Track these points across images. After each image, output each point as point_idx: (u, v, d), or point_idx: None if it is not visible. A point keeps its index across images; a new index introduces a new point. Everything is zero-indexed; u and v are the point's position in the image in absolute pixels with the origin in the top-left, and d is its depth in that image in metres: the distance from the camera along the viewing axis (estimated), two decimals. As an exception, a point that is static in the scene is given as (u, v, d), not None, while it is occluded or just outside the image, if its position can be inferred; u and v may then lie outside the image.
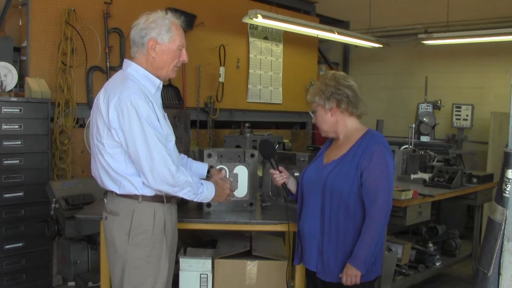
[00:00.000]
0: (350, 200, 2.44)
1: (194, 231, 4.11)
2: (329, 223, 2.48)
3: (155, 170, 2.31)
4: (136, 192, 2.40)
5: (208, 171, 2.90)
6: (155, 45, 2.43)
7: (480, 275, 1.97)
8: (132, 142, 2.31)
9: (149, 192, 2.42)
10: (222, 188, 2.67)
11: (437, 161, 5.40)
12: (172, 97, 5.76)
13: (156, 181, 2.33)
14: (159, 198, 2.45)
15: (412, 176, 4.75)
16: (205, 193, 2.53)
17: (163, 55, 2.46)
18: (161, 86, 2.53)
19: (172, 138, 2.50)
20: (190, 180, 2.42)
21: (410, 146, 5.32)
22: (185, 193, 2.43)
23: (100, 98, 2.39)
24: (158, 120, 2.38)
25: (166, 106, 2.60)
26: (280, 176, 2.74)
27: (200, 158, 3.20)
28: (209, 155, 3.10)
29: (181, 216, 2.84)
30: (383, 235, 2.52)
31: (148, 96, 2.36)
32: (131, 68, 2.46)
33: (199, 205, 3.20)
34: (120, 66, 4.91)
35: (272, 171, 2.75)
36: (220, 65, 6.25)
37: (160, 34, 2.43)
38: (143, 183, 2.38)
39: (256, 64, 6.91)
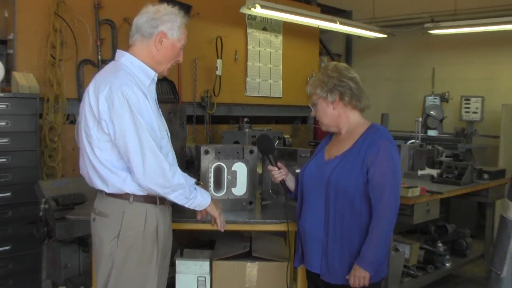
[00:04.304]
0: (355, 197, 2.43)
1: (191, 231, 4.09)
2: (333, 222, 2.47)
3: (146, 168, 2.27)
4: (127, 190, 2.36)
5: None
6: (164, 38, 2.44)
7: (493, 276, 1.95)
8: (121, 136, 2.27)
9: (140, 191, 2.38)
10: (217, 202, 2.64)
11: (446, 156, 5.37)
12: (167, 91, 5.74)
13: (147, 179, 2.29)
14: (151, 199, 2.42)
15: (419, 172, 4.73)
16: (199, 199, 2.47)
17: (168, 50, 2.47)
18: (156, 78, 2.50)
19: (165, 135, 2.47)
20: (183, 182, 2.37)
21: (417, 141, 5.31)
22: (176, 196, 2.38)
23: (90, 90, 2.35)
24: (152, 114, 2.35)
25: (160, 100, 2.58)
26: (279, 172, 2.73)
27: (197, 155, 3.19)
28: (206, 152, 3.08)
29: (177, 216, 2.82)
30: (390, 233, 2.52)
31: (141, 88, 2.33)
32: (124, 58, 2.44)
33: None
34: (112, 59, 4.91)
35: (270, 167, 2.74)
36: (217, 58, 6.23)
37: (172, 29, 2.45)
38: (133, 181, 2.34)
39: (255, 56, 6.89)
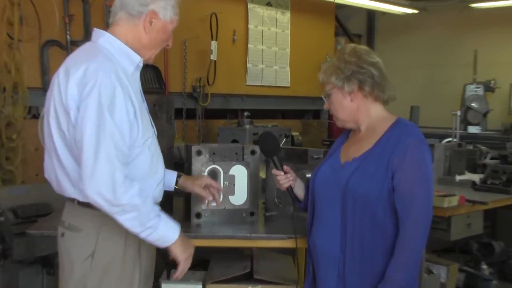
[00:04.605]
0: (378, 208, 2.44)
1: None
2: (351, 238, 2.48)
3: (94, 174, 2.21)
4: None
5: (177, 182, 2.87)
6: (154, 19, 2.45)
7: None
8: (80, 129, 2.24)
9: None
10: (188, 242, 2.55)
11: (491, 158, 5.39)
12: (151, 79, 5.75)
13: (93, 189, 2.22)
14: None
15: (458, 178, 4.74)
16: (161, 231, 2.36)
17: (158, 33, 2.49)
18: (141, 65, 2.52)
19: (151, 134, 2.47)
20: (138, 203, 2.27)
21: (455, 139, 5.33)
22: (128, 220, 2.27)
23: (60, 74, 2.34)
24: (134, 112, 2.33)
25: (144, 91, 2.58)
26: (285, 178, 2.73)
27: (188, 156, 3.20)
28: (199, 152, 3.11)
29: (163, 229, 2.84)
30: (422, 252, 2.53)
31: (122, 78, 2.33)
32: (104, 39, 2.44)
33: (186, 216, 3.21)
34: (84, 40, 4.91)
35: (275, 171, 2.74)
36: (212, 39, 6.24)
37: (166, 8, 2.47)
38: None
39: (257, 37, 6.90)
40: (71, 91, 2.27)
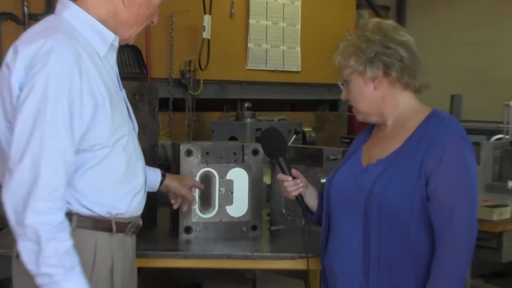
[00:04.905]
0: (409, 221, 2.44)
1: (166, 270, 4.13)
2: (377, 259, 2.49)
3: (13, 177, 2.16)
4: (67, 208, 2.30)
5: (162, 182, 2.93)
6: None
7: None
8: (16, 120, 2.19)
9: (87, 210, 2.35)
10: None
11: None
12: (130, 62, 5.77)
13: (6, 195, 2.16)
14: (104, 224, 2.40)
15: (510, 184, 4.74)
16: (62, 283, 2.19)
17: (140, 8, 2.48)
18: (116, 44, 2.50)
19: (126, 131, 2.44)
20: (43, 236, 2.12)
21: (507, 136, 5.32)
22: (24, 249, 2.15)
23: (8, 55, 2.29)
24: (99, 104, 2.28)
25: (120, 77, 2.58)
26: (294, 184, 2.71)
27: (175, 157, 3.21)
28: (189, 152, 3.12)
29: (146, 247, 2.84)
30: (464, 277, 2.53)
31: (85, 62, 2.29)
32: (68, 12, 2.41)
33: (173, 230, 3.23)
34: (45, 13, 4.93)
35: (281, 176, 2.73)
36: (204, 13, 6.25)
37: None
38: None
39: (261, 10, 6.91)
40: (18, 74, 2.22)
